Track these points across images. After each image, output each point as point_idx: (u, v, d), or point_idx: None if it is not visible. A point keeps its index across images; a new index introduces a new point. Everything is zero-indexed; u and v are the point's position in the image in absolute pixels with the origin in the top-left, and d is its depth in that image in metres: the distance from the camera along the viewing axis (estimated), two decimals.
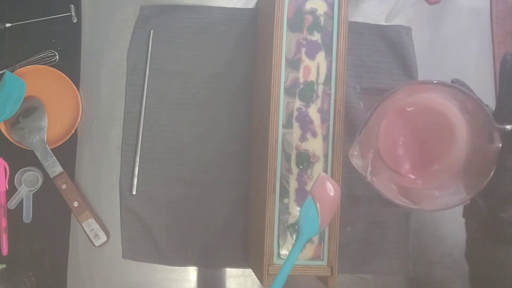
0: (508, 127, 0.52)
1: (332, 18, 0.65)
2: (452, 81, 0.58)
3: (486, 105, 0.55)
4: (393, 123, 0.63)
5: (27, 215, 0.75)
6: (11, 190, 0.75)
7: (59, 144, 0.75)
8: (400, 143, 0.64)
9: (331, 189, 0.53)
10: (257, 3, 0.80)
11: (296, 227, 0.62)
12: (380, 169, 0.62)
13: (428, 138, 0.63)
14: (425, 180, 0.62)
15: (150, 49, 0.78)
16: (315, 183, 0.54)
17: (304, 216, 0.54)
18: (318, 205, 0.53)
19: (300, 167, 0.64)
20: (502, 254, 0.55)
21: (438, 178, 0.61)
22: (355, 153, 0.58)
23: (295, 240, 0.54)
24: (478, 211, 0.57)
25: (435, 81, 0.58)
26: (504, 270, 0.55)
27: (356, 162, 0.58)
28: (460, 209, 0.64)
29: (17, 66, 0.76)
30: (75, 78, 0.77)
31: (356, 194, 0.78)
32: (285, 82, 0.64)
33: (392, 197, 0.58)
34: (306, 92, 0.65)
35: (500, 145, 0.53)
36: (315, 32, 0.65)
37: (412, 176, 0.62)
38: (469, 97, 0.56)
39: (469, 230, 0.60)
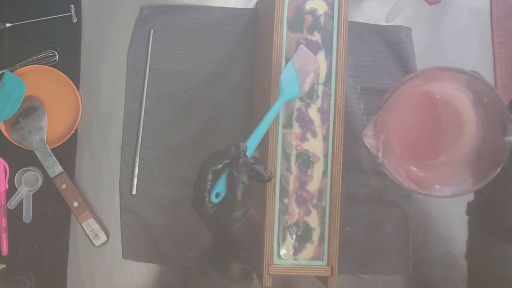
0: None
1: (332, 18, 0.65)
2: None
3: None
4: (405, 110, 0.63)
5: (27, 215, 0.75)
6: (11, 190, 0.75)
7: (59, 144, 0.75)
8: (409, 131, 0.63)
9: (309, 58, 0.61)
10: (257, 3, 0.80)
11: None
12: (391, 153, 0.62)
13: (437, 129, 0.62)
14: (430, 172, 0.61)
15: (150, 49, 0.78)
16: (295, 52, 0.61)
17: (284, 79, 0.59)
18: (297, 71, 0.59)
19: (300, 167, 0.64)
20: (503, 250, 0.55)
21: (444, 170, 0.60)
22: (369, 133, 0.58)
23: (277, 99, 0.59)
24: (482, 206, 0.57)
25: (455, 69, 0.57)
26: (504, 267, 0.55)
27: (370, 142, 0.58)
28: (461, 209, 0.64)
29: (17, 66, 0.76)
30: (75, 78, 0.77)
31: (356, 194, 0.78)
32: None
33: (402, 181, 0.58)
34: (306, 92, 0.65)
35: None
36: (315, 32, 0.65)
37: (414, 169, 0.62)
38: (488, 88, 0.55)
39: (471, 228, 0.60)
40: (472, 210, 0.60)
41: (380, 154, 0.58)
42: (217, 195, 0.52)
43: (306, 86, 0.61)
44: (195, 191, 0.53)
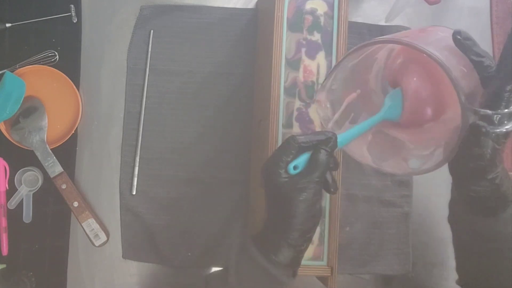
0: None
1: (332, 18, 0.65)
2: (455, 32, 0.52)
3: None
4: (411, 65, 0.58)
5: (27, 215, 0.75)
6: (11, 190, 0.75)
7: (59, 144, 0.75)
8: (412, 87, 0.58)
9: (425, 88, 0.54)
10: (257, 3, 0.80)
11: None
12: (362, 111, 0.59)
13: (435, 92, 0.57)
14: (414, 135, 0.59)
15: (150, 49, 0.78)
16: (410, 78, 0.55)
17: (392, 98, 0.56)
18: (405, 98, 0.55)
19: None
20: (485, 224, 0.54)
21: (426, 137, 0.57)
22: (322, 98, 0.56)
23: (378, 112, 0.55)
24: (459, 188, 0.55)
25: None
26: (483, 242, 0.54)
27: (320, 111, 0.57)
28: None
29: (17, 66, 0.76)
30: (75, 78, 0.77)
31: (355, 194, 0.78)
32: (285, 82, 0.64)
33: (359, 154, 0.57)
34: (306, 92, 0.65)
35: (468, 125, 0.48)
36: (315, 32, 0.65)
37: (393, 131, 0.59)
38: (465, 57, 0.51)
39: (453, 198, 0.58)
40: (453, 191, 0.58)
41: (330, 124, 0.57)
42: (295, 168, 0.50)
43: (409, 115, 0.56)
44: (272, 159, 0.51)
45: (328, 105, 0.58)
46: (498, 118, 0.48)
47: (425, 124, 0.56)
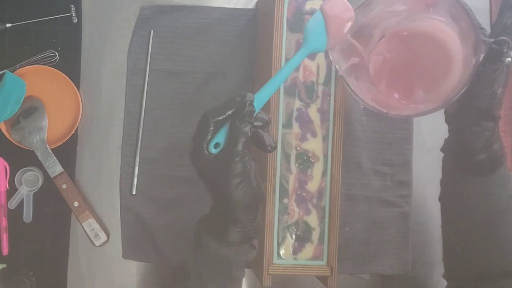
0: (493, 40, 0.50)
1: None
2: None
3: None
4: (390, 42, 0.58)
5: (28, 215, 0.75)
6: (12, 190, 0.75)
7: (59, 144, 0.75)
8: (391, 64, 0.59)
9: (342, 8, 0.52)
10: (257, 3, 0.80)
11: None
12: (361, 75, 0.58)
13: (421, 66, 0.58)
14: (405, 100, 0.58)
15: (150, 49, 0.78)
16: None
17: (310, 27, 0.52)
18: (326, 21, 0.52)
19: (300, 167, 0.64)
20: (473, 184, 0.55)
21: (418, 100, 0.57)
22: (336, 47, 0.55)
23: (299, 50, 0.52)
24: (454, 141, 0.56)
25: None
26: (476, 204, 0.55)
27: (334, 56, 0.55)
28: None
29: (17, 66, 0.76)
30: (75, 78, 0.77)
31: (356, 194, 0.78)
32: (285, 82, 0.65)
33: (365, 99, 0.55)
34: (306, 92, 0.65)
35: (482, 55, 0.50)
36: None
37: (396, 96, 0.58)
38: (460, 7, 0.52)
39: (444, 165, 0.59)
40: (447, 146, 0.59)
41: (343, 69, 0.56)
42: (216, 146, 0.49)
43: (338, 39, 0.53)
44: (194, 143, 0.50)
45: (339, 53, 0.56)
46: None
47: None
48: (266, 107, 0.65)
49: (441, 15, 0.56)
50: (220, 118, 0.49)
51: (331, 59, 0.55)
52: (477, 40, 0.51)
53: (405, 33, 0.57)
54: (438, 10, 0.55)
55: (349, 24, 0.52)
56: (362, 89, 0.57)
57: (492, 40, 0.50)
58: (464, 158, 0.55)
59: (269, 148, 0.50)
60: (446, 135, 0.58)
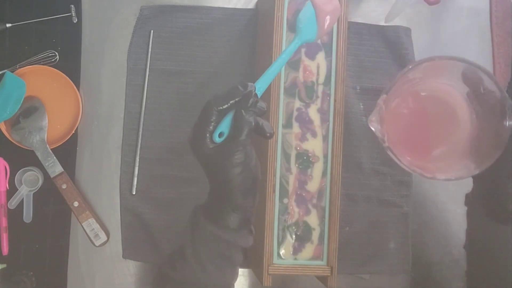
0: None
1: None
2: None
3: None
4: (401, 106, 0.63)
5: (28, 215, 0.75)
6: (12, 190, 0.75)
7: (59, 144, 0.75)
8: (405, 127, 0.64)
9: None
10: (257, 3, 0.80)
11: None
12: (390, 143, 0.62)
13: (429, 124, 0.63)
14: (429, 162, 0.62)
15: (150, 49, 0.78)
16: None
17: (302, 18, 0.54)
18: (317, 11, 0.54)
19: (300, 167, 0.64)
20: (504, 234, 0.55)
21: (444, 160, 0.61)
22: (373, 118, 0.57)
23: (292, 40, 0.54)
24: (483, 193, 0.57)
25: (453, 57, 0.58)
26: (503, 252, 0.55)
27: (375, 126, 0.58)
28: (460, 209, 0.64)
29: (17, 66, 0.76)
30: (75, 78, 0.77)
31: (356, 194, 0.78)
32: (285, 82, 0.65)
33: (408, 164, 0.58)
34: (306, 92, 0.65)
35: None
36: None
37: (409, 158, 0.62)
38: (486, 75, 0.56)
39: (470, 218, 0.60)
40: (471, 200, 0.60)
41: (386, 138, 0.58)
42: (220, 135, 0.49)
43: (324, 29, 0.55)
44: (195, 131, 0.50)
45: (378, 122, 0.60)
46: None
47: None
48: (266, 108, 0.65)
49: (450, 78, 0.60)
50: (223, 107, 0.49)
51: (374, 130, 0.58)
52: (507, 106, 0.55)
53: (421, 93, 0.62)
54: (447, 73, 0.60)
55: (335, 14, 0.56)
56: (401, 156, 0.59)
57: None
58: (499, 208, 0.55)
59: (268, 135, 0.51)
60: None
